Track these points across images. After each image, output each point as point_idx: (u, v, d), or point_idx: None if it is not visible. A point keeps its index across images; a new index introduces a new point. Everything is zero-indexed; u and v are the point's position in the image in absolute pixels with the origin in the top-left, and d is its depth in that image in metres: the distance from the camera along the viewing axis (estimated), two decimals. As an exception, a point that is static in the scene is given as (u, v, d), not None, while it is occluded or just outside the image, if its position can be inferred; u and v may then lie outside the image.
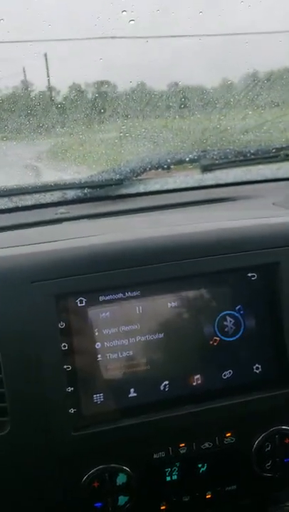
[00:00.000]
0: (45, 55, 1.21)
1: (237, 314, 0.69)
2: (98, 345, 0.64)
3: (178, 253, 0.67)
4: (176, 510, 0.67)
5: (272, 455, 0.68)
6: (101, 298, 0.65)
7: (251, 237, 0.70)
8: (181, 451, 0.66)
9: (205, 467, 0.67)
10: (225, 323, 0.68)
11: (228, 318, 0.68)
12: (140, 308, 0.66)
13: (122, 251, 0.66)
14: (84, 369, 0.64)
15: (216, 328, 0.68)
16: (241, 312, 0.69)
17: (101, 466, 0.63)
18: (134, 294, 0.66)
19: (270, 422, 0.68)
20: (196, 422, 0.65)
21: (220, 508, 0.70)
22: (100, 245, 0.67)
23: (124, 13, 0.85)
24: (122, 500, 0.64)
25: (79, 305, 0.64)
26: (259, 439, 0.68)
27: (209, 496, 0.68)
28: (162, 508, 0.67)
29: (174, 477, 0.66)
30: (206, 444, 0.66)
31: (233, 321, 0.68)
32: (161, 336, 0.66)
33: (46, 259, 0.64)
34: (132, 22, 0.85)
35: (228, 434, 0.67)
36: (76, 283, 0.63)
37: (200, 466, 0.67)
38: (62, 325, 0.63)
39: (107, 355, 0.64)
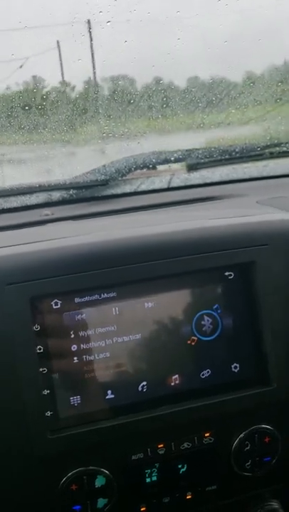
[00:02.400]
0: (59, 45, 1.20)
1: (214, 313, 0.68)
2: (74, 347, 0.64)
3: (154, 253, 0.67)
4: (156, 511, 0.67)
5: (252, 454, 0.68)
6: (76, 300, 0.64)
7: (228, 236, 0.70)
8: (160, 452, 0.65)
9: (184, 468, 0.67)
10: (202, 322, 0.68)
11: (206, 318, 0.68)
12: (116, 309, 0.66)
13: (97, 252, 0.66)
14: (60, 371, 0.63)
15: (193, 328, 0.68)
16: (219, 311, 0.69)
17: (79, 469, 0.63)
18: (110, 295, 0.65)
19: (250, 421, 0.68)
20: (175, 423, 0.65)
21: (201, 508, 0.69)
22: (74, 247, 0.67)
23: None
24: (101, 502, 0.64)
25: (54, 307, 0.64)
26: (238, 438, 0.67)
27: (189, 497, 0.68)
28: (142, 509, 0.66)
29: (154, 478, 0.66)
30: (185, 445, 0.66)
31: (210, 321, 0.68)
32: (138, 336, 0.66)
33: (21, 261, 0.64)
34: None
35: (207, 434, 0.67)
36: (51, 285, 0.63)
37: (179, 466, 0.67)
38: (37, 328, 0.63)
39: (84, 357, 0.64)
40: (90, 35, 1.05)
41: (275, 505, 0.70)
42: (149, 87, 1.13)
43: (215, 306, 0.69)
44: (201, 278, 0.69)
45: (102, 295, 0.65)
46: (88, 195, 1.13)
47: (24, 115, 1.08)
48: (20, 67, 1.25)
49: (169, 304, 0.67)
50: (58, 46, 1.18)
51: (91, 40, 1.06)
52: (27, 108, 1.09)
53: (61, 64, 1.17)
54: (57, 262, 0.65)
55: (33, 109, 1.08)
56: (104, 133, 1.10)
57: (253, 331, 0.69)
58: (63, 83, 1.26)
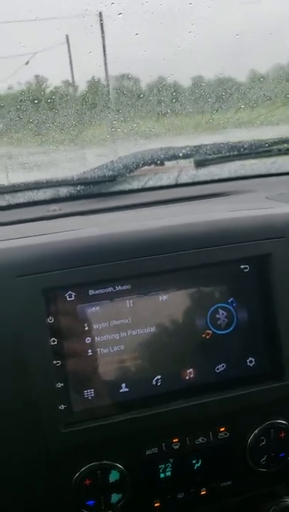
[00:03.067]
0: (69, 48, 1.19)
1: (229, 307, 0.68)
2: (88, 340, 0.63)
3: (169, 246, 0.66)
4: (171, 507, 0.66)
5: (267, 450, 0.67)
6: (90, 292, 0.64)
7: (243, 229, 0.69)
8: (175, 447, 0.64)
9: (199, 463, 0.66)
10: (217, 316, 0.67)
11: (221, 311, 0.67)
12: (131, 302, 0.65)
13: (112, 244, 0.65)
14: (74, 364, 0.62)
15: (208, 321, 0.67)
16: (234, 304, 0.68)
17: (93, 463, 0.62)
18: (125, 287, 0.65)
19: (265, 416, 0.67)
20: (189, 417, 0.64)
21: (215, 504, 0.68)
22: (88, 238, 0.66)
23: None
24: (115, 497, 0.63)
25: (68, 299, 0.63)
26: (254, 433, 0.66)
27: (204, 493, 0.67)
28: (156, 505, 0.65)
29: (168, 473, 0.65)
30: (200, 440, 0.65)
31: (225, 314, 0.67)
32: (152, 329, 0.65)
33: (33, 253, 0.63)
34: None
35: (222, 429, 0.66)
36: (64, 277, 0.62)
37: (194, 461, 0.66)
38: (50, 320, 0.62)
39: (98, 350, 0.63)
40: (102, 27, 1.04)
41: (290, 501, 0.69)
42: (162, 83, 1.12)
43: (230, 300, 0.68)
44: (216, 271, 0.68)
45: (117, 287, 0.64)
46: (96, 191, 1.12)
47: (34, 110, 1.07)
48: (27, 63, 1.24)
49: (183, 297, 0.67)
50: (68, 41, 1.17)
51: (102, 32, 1.06)
52: (36, 102, 1.08)
53: (70, 59, 1.16)
54: (70, 254, 0.64)
55: (42, 104, 1.07)
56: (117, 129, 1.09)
57: (268, 324, 0.68)
58: (71, 82, 1.26)
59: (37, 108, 1.07)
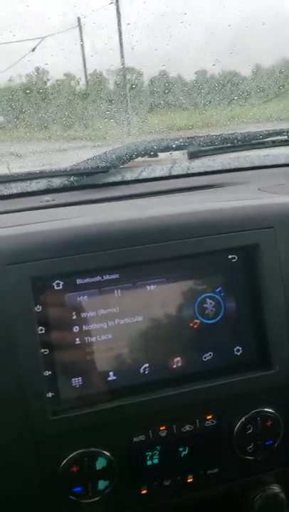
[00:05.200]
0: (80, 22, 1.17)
1: (217, 296, 0.68)
2: (76, 328, 0.64)
3: (156, 235, 0.66)
4: (157, 494, 0.67)
5: (254, 438, 0.68)
6: (78, 281, 0.64)
7: (231, 219, 0.69)
8: (162, 435, 0.65)
9: (186, 450, 0.67)
10: (205, 305, 0.67)
11: (209, 301, 0.68)
12: (119, 291, 0.65)
13: (100, 233, 0.66)
14: (61, 353, 0.63)
15: (196, 311, 0.67)
16: (222, 294, 0.68)
17: (80, 451, 0.62)
18: (113, 277, 0.65)
19: (252, 405, 0.67)
20: (176, 405, 0.65)
21: (202, 492, 0.69)
22: (76, 228, 0.66)
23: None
24: (102, 484, 0.64)
25: (56, 288, 0.63)
26: (240, 421, 0.67)
27: (191, 480, 0.68)
28: (143, 492, 0.66)
29: (155, 461, 0.66)
30: (187, 427, 0.66)
31: (213, 304, 0.68)
32: (140, 319, 0.66)
33: (22, 242, 0.64)
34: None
35: (209, 417, 0.66)
36: (52, 266, 0.62)
37: (181, 449, 0.66)
38: (38, 309, 0.62)
39: (86, 338, 0.64)
40: (119, 13, 1.01)
41: (277, 489, 0.70)
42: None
43: (218, 289, 0.68)
44: (205, 261, 0.68)
45: (105, 277, 0.65)
46: (89, 182, 1.12)
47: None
48: (33, 50, 1.22)
49: (171, 287, 0.67)
50: (79, 24, 1.15)
51: (119, 18, 1.03)
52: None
53: (82, 43, 1.13)
54: (58, 243, 0.64)
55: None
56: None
57: (255, 314, 0.68)
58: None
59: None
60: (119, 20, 1.17)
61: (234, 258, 0.69)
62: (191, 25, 0.94)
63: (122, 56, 1.20)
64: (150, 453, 0.65)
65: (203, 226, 0.68)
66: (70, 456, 0.62)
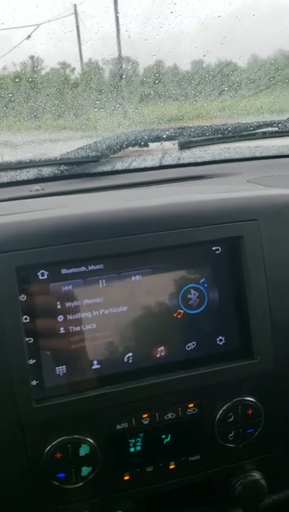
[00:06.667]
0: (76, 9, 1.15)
1: (201, 287, 0.69)
2: (61, 318, 0.64)
3: (141, 226, 0.67)
4: (140, 480, 0.68)
5: (235, 426, 0.69)
6: (63, 271, 0.64)
7: (216, 211, 0.70)
8: (144, 422, 0.66)
9: (168, 438, 0.68)
10: (189, 296, 0.68)
11: (192, 291, 0.68)
12: (104, 281, 0.66)
13: (84, 223, 0.66)
14: (46, 341, 0.64)
15: (180, 301, 0.68)
16: (205, 285, 0.69)
17: (64, 437, 0.63)
18: (98, 267, 0.66)
19: (233, 393, 0.69)
20: (159, 393, 0.66)
21: (184, 478, 0.70)
22: (61, 218, 0.67)
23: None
24: (86, 471, 0.65)
25: (40, 278, 0.64)
26: (222, 409, 0.68)
27: (173, 467, 0.69)
28: (126, 478, 0.67)
29: (138, 448, 0.67)
30: (169, 415, 0.67)
31: (197, 294, 0.69)
32: (125, 309, 0.66)
33: (6, 231, 0.64)
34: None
35: (191, 405, 0.68)
36: (37, 255, 0.63)
37: (163, 436, 0.68)
38: (23, 298, 0.63)
39: (70, 327, 0.65)
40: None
41: (257, 476, 0.71)
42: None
43: (202, 280, 0.69)
44: (189, 252, 0.69)
45: (89, 267, 0.65)
46: (79, 171, 1.12)
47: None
48: (28, 37, 1.21)
49: (156, 277, 0.68)
50: (75, 11, 1.13)
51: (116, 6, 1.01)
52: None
53: (78, 31, 1.12)
54: (43, 233, 0.65)
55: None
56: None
57: (238, 305, 0.69)
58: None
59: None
60: (116, 9, 1.16)
61: (218, 250, 0.69)
62: (182, 16, 0.94)
63: (119, 43, 1.20)
64: (133, 440, 0.67)
65: (187, 218, 0.68)
66: (54, 442, 0.63)
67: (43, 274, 0.64)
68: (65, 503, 0.66)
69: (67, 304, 0.65)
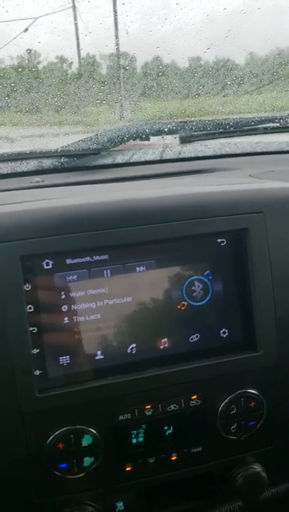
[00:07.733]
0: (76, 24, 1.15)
1: (205, 279, 0.69)
2: (65, 307, 0.64)
3: (147, 217, 0.66)
4: (142, 471, 0.68)
5: (237, 418, 0.69)
6: (68, 261, 0.64)
7: (221, 203, 0.70)
8: (147, 413, 0.66)
9: (171, 429, 0.68)
10: (193, 288, 0.68)
11: (197, 283, 0.68)
12: (108, 272, 0.66)
13: (90, 213, 0.66)
14: (50, 331, 0.63)
15: (184, 293, 0.68)
16: (210, 277, 0.69)
17: (66, 428, 0.63)
18: (102, 257, 0.65)
19: (236, 386, 0.69)
20: (162, 385, 0.66)
21: (186, 470, 0.70)
22: (67, 207, 0.66)
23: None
24: (88, 461, 0.65)
25: (45, 267, 0.63)
26: (224, 402, 0.68)
27: (174, 458, 0.69)
28: (128, 469, 0.67)
29: (140, 439, 0.67)
30: (172, 407, 0.67)
31: (201, 286, 0.68)
32: (129, 299, 0.66)
33: (12, 220, 0.63)
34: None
35: (194, 397, 0.68)
36: (42, 245, 0.62)
37: (166, 428, 0.68)
38: (28, 287, 0.62)
39: (74, 318, 0.64)
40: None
41: (258, 468, 0.72)
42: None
43: (206, 273, 0.69)
44: (194, 244, 0.69)
45: (94, 257, 0.65)
46: (79, 164, 1.12)
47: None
48: (26, 30, 1.20)
49: (160, 269, 0.67)
50: (74, 4, 1.12)
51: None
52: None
53: (76, 25, 1.11)
54: (48, 222, 0.64)
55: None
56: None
57: (242, 297, 0.69)
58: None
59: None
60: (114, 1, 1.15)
61: (223, 242, 0.69)
62: (187, 8, 0.94)
63: (117, 37, 1.19)
64: (135, 431, 0.66)
65: (193, 209, 0.68)
66: (57, 433, 0.63)
67: (47, 264, 0.63)
68: (66, 493, 0.66)
69: (72, 294, 0.64)
